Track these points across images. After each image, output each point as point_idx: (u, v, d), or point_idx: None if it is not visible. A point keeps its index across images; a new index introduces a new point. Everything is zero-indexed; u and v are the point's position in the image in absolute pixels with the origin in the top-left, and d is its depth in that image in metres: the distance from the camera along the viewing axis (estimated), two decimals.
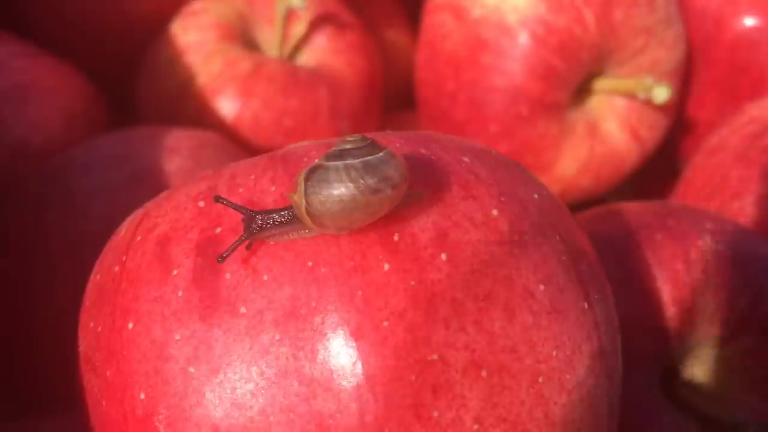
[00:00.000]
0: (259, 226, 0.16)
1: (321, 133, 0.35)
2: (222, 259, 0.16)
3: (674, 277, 0.24)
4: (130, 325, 0.16)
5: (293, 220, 0.16)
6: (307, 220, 0.15)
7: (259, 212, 0.16)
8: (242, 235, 0.16)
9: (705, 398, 0.24)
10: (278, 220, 0.16)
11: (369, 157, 0.15)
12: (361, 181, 0.15)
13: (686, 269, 0.24)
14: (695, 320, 0.24)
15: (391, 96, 0.43)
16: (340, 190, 0.15)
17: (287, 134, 0.35)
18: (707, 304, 0.24)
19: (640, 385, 0.23)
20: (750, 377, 0.24)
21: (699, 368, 0.25)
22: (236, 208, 0.16)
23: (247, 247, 0.16)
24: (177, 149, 0.29)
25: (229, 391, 0.15)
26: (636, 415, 0.23)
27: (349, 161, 0.15)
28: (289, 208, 0.16)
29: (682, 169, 0.37)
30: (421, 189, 0.16)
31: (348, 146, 0.16)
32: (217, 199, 0.16)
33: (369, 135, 0.17)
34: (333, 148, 0.16)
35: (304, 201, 0.15)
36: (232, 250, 0.16)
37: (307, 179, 0.15)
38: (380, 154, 0.15)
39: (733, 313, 0.24)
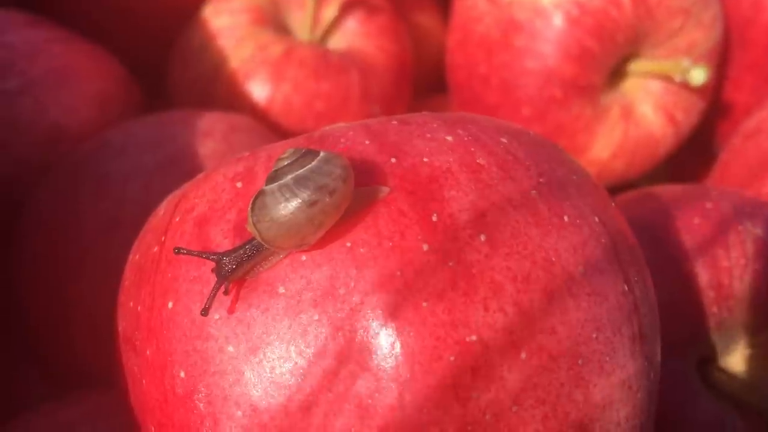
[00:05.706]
0: (232, 269, 0.15)
1: (352, 116, 0.35)
2: (205, 312, 0.15)
3: (712, 261, 0.24)
4: (170, 305, 0.16)
5: (260, 248, 0.15)
6: (267, 245, 0.15)
7: (225, 254, 0.16)
8: (217, 282, 0.16)
9: (742, 385, 0.24)
10: (246, 255, 0.15)
11: (300, 171, 0.15)
12: (296, 199, 0.15)
13: (725, 254, 0.24)
14: (732, 306, 0.24)
15: (423, 80, 0.43)
16: (278, 212, 0.15)
17: (318, 118, 0.35)
18: (745, 289, 0.24)
19: (677, 370, 0.23)
20: None
21: (736, 354, 0.24)
22: (200, 255, 0.16)
23: (225, 293, 0.16)
24: (210, 133, 0.29)
25: (267, 371, 0.15)
26: (673, 400, 0.23)
27: (282, 181, 0.15)
28: (251, 239, 0.16)
29: (718, 152, 0.37)
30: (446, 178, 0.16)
31: (283, 163, 0.16)
32: (178, 251, 0.16)
33: (313, 139, 0.17)
34: (271, 170, 0.16)
35: (255, 230, 0.15)
36: (212, 300, 0.16)
37: (251, 209, 0.15)
38: (312, 164, 0.15)
39: None
